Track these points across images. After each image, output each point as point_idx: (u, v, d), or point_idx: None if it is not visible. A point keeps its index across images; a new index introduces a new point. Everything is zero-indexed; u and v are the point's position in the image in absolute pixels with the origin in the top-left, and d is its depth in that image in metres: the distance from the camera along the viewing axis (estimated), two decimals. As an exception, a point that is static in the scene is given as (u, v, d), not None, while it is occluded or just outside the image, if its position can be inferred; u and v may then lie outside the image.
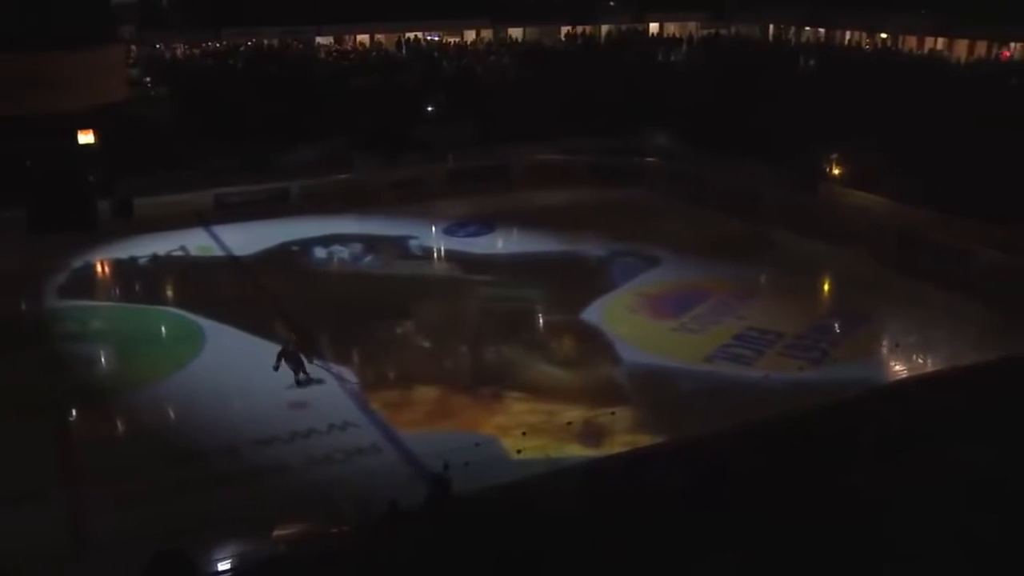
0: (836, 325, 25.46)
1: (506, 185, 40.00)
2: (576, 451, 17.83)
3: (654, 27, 59.38)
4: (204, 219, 34.74)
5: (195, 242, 32.62)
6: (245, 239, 32.70)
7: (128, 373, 22.66)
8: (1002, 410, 16.73)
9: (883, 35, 51.02)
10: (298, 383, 21.05)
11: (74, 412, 21.02)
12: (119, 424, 20.66)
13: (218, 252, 32.00)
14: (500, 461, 17.51)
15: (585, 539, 13.09)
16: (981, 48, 46.38)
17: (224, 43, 49.38)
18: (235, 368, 22.51)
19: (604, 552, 12.79)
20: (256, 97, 40.42)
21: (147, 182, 35.09)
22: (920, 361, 23.04)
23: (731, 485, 14.40)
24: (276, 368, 20.81)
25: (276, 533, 15.11)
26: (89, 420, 20.82)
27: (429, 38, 54.75)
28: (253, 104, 39.62)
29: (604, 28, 57.66)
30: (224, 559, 14.42)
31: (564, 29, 56.42)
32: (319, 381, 21.34)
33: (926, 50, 48.33)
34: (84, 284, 29.42)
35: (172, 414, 20.73)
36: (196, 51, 49.47)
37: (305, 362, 21.28)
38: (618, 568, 12.60)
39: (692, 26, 59.81)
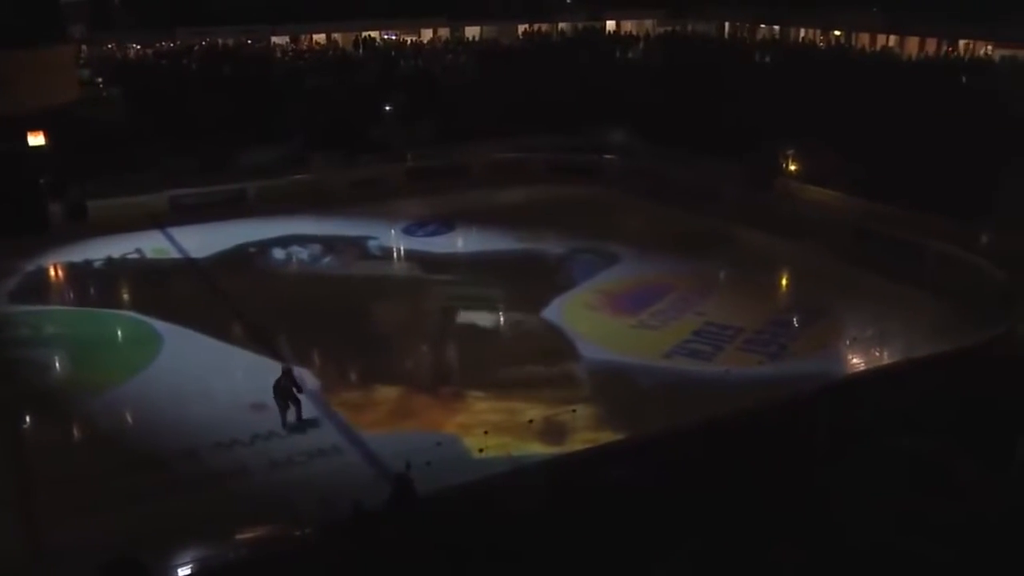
0: (794, 319, 25.75)
1: (465, 184, 39.95)
2: (538, 449, 17.87)
3: (611, 25, 59.68)
4: (160, 221, 34.30)
5: (151, 244, 32.21)
6: (202, 241, 32.35)
7: (83, 378, 22.30)
8: (954, 401, 17.08)
9: (837, 32, 51.75)
10: (283, 423, 19.38)
11: (28, 419, 20.67)
12: (75, 431, 20.33)
13: (174, 254, 31.62)
14: (462, 460, 17.51)
15: (548, 536, 13.15)
16: (932, 45, 47.24)
17: (178, 43, 48.85)
18: (193, 371, 22.28)
19: (567, 548, 12.86)
20: (211, 97, 40.01)
21: (101, 184, 34.59)
22: (876, 354, 23.37)
23: (691, 480, 14.55)
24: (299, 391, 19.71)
25: (239, 537, 15.00)
26: (44, 427, 20.47)
27: (386, 37, 54.60)
28: (208, 105, 39.20)
29: (561, 26, 57.83)
30: (185, 564, 14.26)
31: (521, 27, 56.52)
32: (311, 422, 19.78)
33: (879, 47, 49.10)
34: (37, 288, 28.91)
35: (129, 419, 20.45)
36: (149, 51, 48.90)
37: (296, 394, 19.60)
38: (581, 564, 12.67)
39: (649, 24, 60.23)
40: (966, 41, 45.99)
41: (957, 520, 12.85)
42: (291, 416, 19.45)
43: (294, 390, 19.48)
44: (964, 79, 39.92)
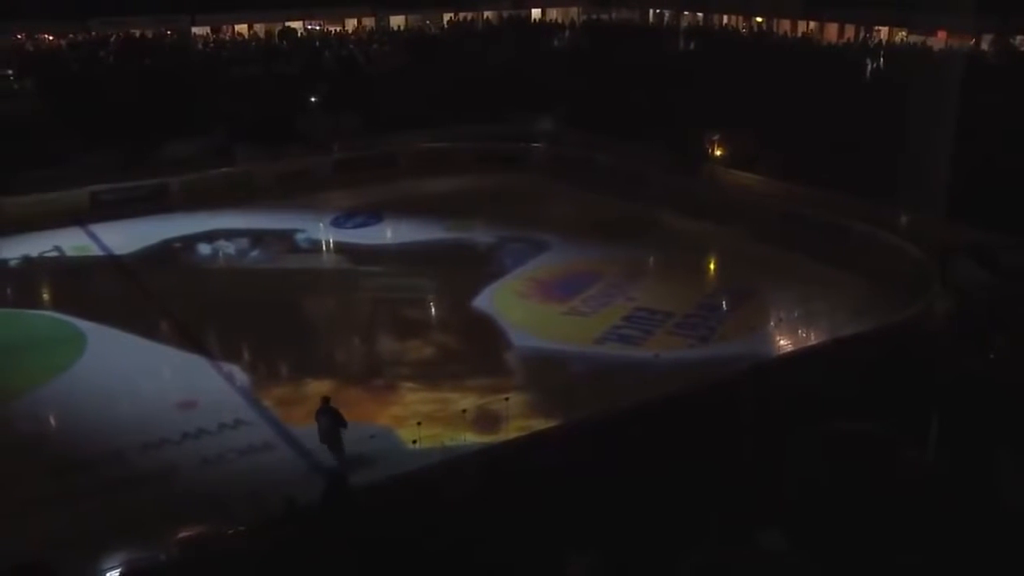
0: (722, 303, 26.15)
1: (392, 174, 39.66)
2: (471, 438, 17.88)
3: (536, 13, 59.78)
4: (80, 218, 33.36)
5: (71, 242, 31.32)
6: (125, 237, 31.57)
7: (4, 381, 21.58)
8: (879, 377, 17.53)
9: (758, 19, 52.60)
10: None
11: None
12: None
13: (96, 252, 30.80)
14: (396, 452, 17.46)
15: (482, 524, 13.19)
16: (851, 31, 48.34)
17: (93, 33, 47.52)
18: (119, 370, 21.81)
19: (501, 536, 12.90)
20: (131, 90, 39.04)
21: (14, 180, 33.48)
22: (803, 334, 23.87)
23: (623, 464, 14.70)
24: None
25: (170, 537, 14.75)
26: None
27: (310, 27, 53.91)
28: (127, 97, 38.24)
29: (486, 14, 57.75)
30: (114, 567, 13.97)
31: (447, 16, 56.29)
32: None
33: (799, 33, 50.04)
34: (-50, 289, 28.00)
35: (53, 422, 19.97)
36: (63, 42, 47.52)
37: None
38: (514, 551, 12.73)
39: (573, 12, 60.46)
40: (881, 28, 47.15)
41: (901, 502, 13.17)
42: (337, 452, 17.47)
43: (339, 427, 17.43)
44: (879, 64, 40.90)
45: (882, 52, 43.32)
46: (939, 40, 44.51)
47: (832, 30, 49.60)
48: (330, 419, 17.36)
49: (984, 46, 43.18)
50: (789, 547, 12.08)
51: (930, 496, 13.64)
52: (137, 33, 48.56)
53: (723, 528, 12.67)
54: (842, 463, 14.15)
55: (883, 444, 14.97)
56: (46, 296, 28.03)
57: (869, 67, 40.61)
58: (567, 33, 55.40)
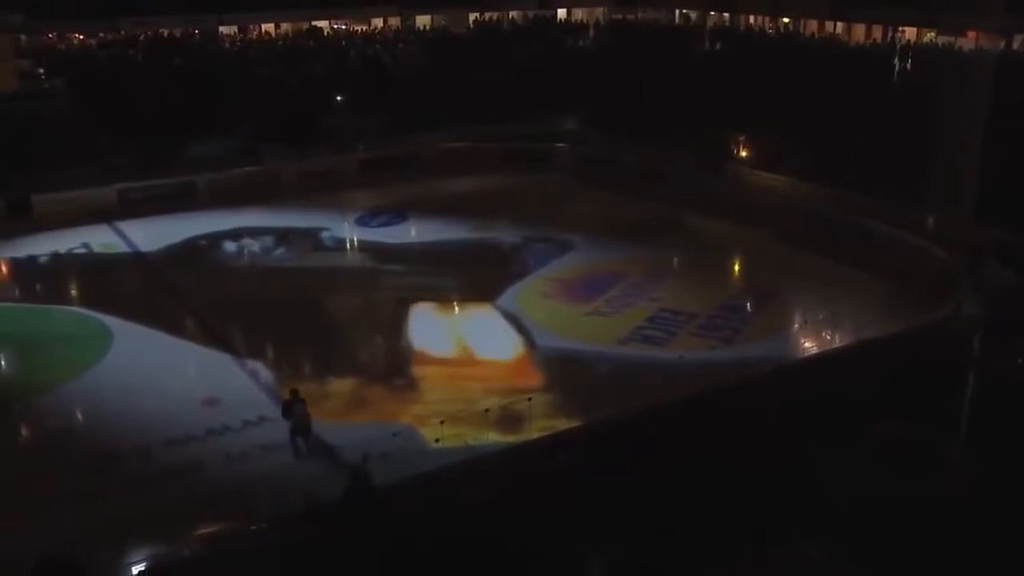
0: (746, 304, 26.03)
1: (417, 174, 39.73)
2: (494, 438, 17.88)
3: (561, 13, 59.68)
4: (107, 215, 33.67)
5: (98, 239, 31.63)
6: (151, 235, 31.83)
7: (32, 376, 21.88)
8: (905, 379, 17.39)
9: (785, 20, 52.26)
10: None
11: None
12: (23, 430, 20.01)
13: (123, 249, 31.09)
14: (418, 451, 17.49)
15: (504, 523, 13.20)
16: (878, 32, 47.93)
17: (122, 33, 47.92)
18: (145, 367, 21.99)
19: (523, 535, 12.91)
20: (159, 89, 39.35)
21: (45, 178, 33.86)
22: (826, 336, 23.71)
23: (647, 465, 14.66)
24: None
25: (193, 532, 14.87)
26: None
27: (336, 26, 54.10)
28: (156, 96, 38.55)
29: (512, 14, 57.72)
30: (139, 562, 14.09)
31: (472, 16, 56.31)
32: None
33: (826, 33, 49.68)
34: (-20, 285, 28.35)
35: (80, 417, 20.15)
36: (93, 41, 47.95)
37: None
38: (537, 550, 12.73)
39: (599, 12, 60.28)
40: (909, 28, 46.72)
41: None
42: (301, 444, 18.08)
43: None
44: (908, 65, 40.49)
45: (910, 52, 42.91)
46: (969, 40, 44.04)
47: (859, 30, 49.21)
48: (303, 409, 17.86)
49: (1016, 46, 42.68)
50: (827, 557, 11.87)
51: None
52: (165, 33, 48.92)
53: (753, 534, 12.58)
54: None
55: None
56: (74, 292, 28.32)
57: (896, 67, 40.23)
58: (592, 33, 55.26)
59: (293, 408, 17.89)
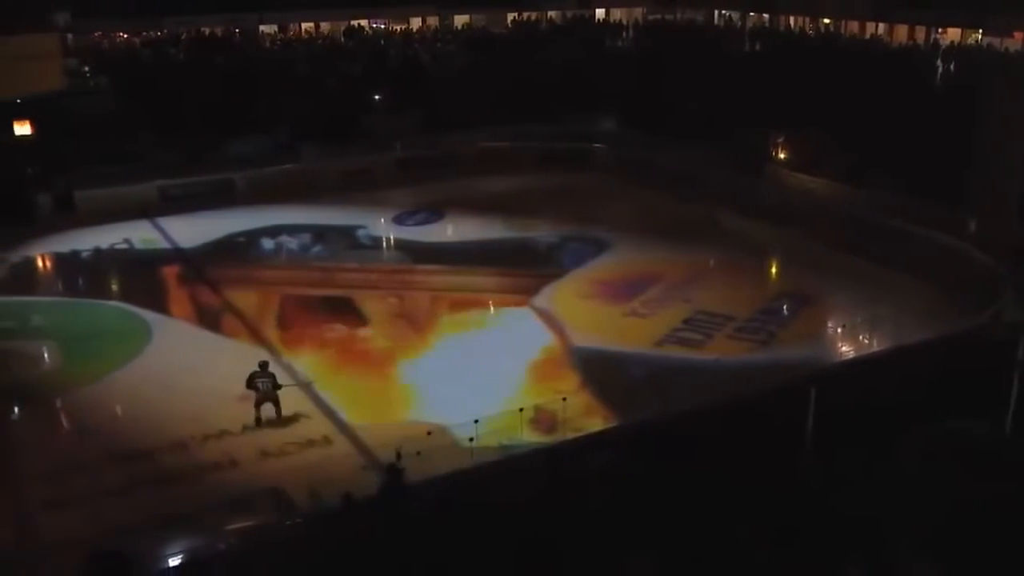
0: (783, 307, 25.78)
1: (454, 173, 39.83)
2: (528, 438, 17.86)
3: (600, 13, 59.53)
4: (148, 212, 34.12)
5: (139, 235, 32.06)
6: (191, 231, 32.21)
7: (71, 369, 22.22)
8: (946, 385, 17.10)
9: (825, 20, 51.76)
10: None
11: (15, 410, 20.56)
12: (62, 422, 20.28)
13: (163, 245, 31.49)
14: (452, 450, 17.49)
15: (539, 524, 13.15)
16: (921, 33, 47.29)
17: (165, 31, 48.53)
18: (183, 362, 22.22)
19: (558, 536, 12.85)
20: (199, 87, 39.78)
21: (88, 175, 34.37)
22: (865, 341, 23.43)
23: (682, 469, 14.54)
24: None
25: (228, 527, 14.98)
26: (30, 419, 20.37)
27: (374, 25, 54.36)
28: (196, 94, 38.98)
29: (550, 14, 57.68)
30: (175, 555, 14.23)
31: (510, 15, 56.34)
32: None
33: (867, 35, 49.12)
34: (23, 279, 28.78)
35: (118, 410, 20.39)
36: (136, 40, 48.58)
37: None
38: (571, 552, 12.67)
39: (638, 12, 60.08)
40: (953, 29, 46.06)
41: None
42: (266, 414, 19.21)
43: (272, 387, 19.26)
44: (951, 67, 39.93)
45: (954, 54, 42.30)
46: (1015, 41, 43.34)
47: (902, 32, 48.59)
48: (272, 381, 19.10)
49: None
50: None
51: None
52: (207, 32, 49.47)
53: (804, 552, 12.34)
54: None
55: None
56: (114, 287, 28.69)
57: (940, 69, 39.68)
58: (630, 33, 55.06)
59: (258, 381, 19.12)
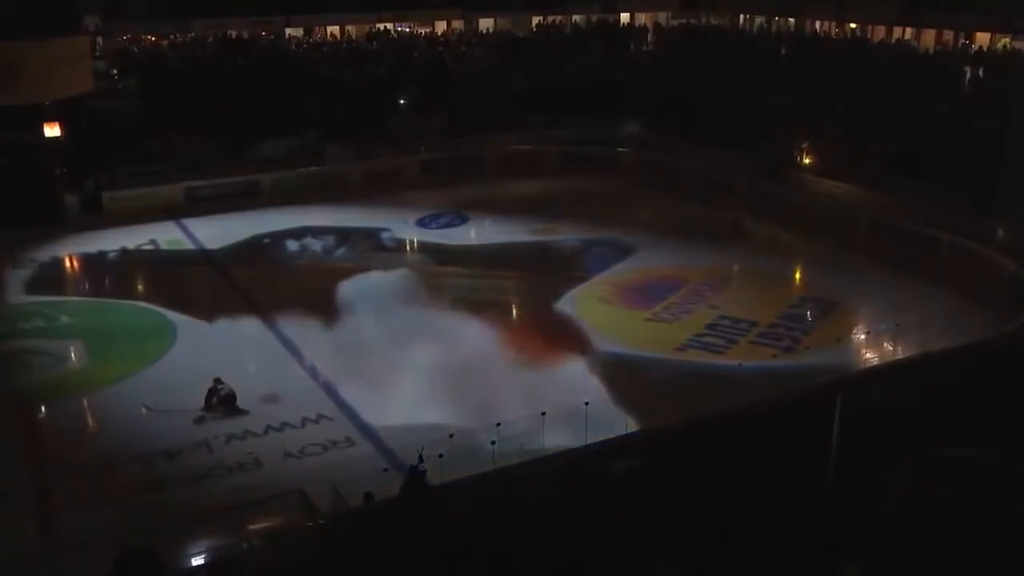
0: (807, 313, 25.64)
1: (479, 176, 39.91)
2: (550, 441, 17.84)
3: (625, 17, 59.43)
4: (174, 213, 34.38)
5: (165, 236, 32.31)
6: (216, 232, 32.41)
7: (97, 369, 22.45)
8: (974, 395, 16.94)
9: (852, 25, 51.39)
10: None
11: (42, 409, 20.78)
12: (88, 421, 20.49)
13: (189, 245, 31.73)
14: (474, 452, 17.50)
15: (560, 527, 13.14)
16: (948, 37, 46.84)
17: (193, 34, 48.90)
18: (207, 363, 22.28)
19: (579, 540, 12.84)
20: (226, 89, 40.07)
21: (116, 176, 34.70)
22: (890, 348, 23.25)
23: (705, 474, 14.49)
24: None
25: (251, 527, 15.07)
26: (57, 417, 20.58)
27: (400, 29, 54.53)
28: (223, 97, 39.27)
29: (575, 18, 57.64)
30: (198, 554, 14.33)
31: (535, 19, 56.35)
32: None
33: (894, 40, 48.73)
34: (52, 279, 29.07)
35: (143, 410, 20.54)
36: (164, 43, 48.99)
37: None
38: (592, 557, 12.65)
39: (663, 16, 59.94)
40: (982, 33, 45.64)
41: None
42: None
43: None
44: (980, 72, 39.57)
45: (983, 59, 41.93)
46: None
47: (929, 36, 48.19)
48: (229, 390, 19.88)
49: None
50: None
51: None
52: (233, 34, 49.79)
53: (805, 553, 12.32)
54: (943, 493, 13.55)
55: (991, 472, 14.37)
56: (140, 287, 28.94)
57: (968, 74, 39.33)
58: (655, 37, 54.93)
59: (218, 391, 19.87)
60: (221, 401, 19.89)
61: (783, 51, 48.42)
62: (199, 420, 19.53)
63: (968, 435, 15.04)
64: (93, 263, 30.44)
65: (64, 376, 22.34)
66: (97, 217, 33.71)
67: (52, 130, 32.64)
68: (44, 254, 30.58)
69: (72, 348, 23.91)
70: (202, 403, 19.86)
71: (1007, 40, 44.34)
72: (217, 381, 20.11)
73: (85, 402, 20.93)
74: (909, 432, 15.56)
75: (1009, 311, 23.18)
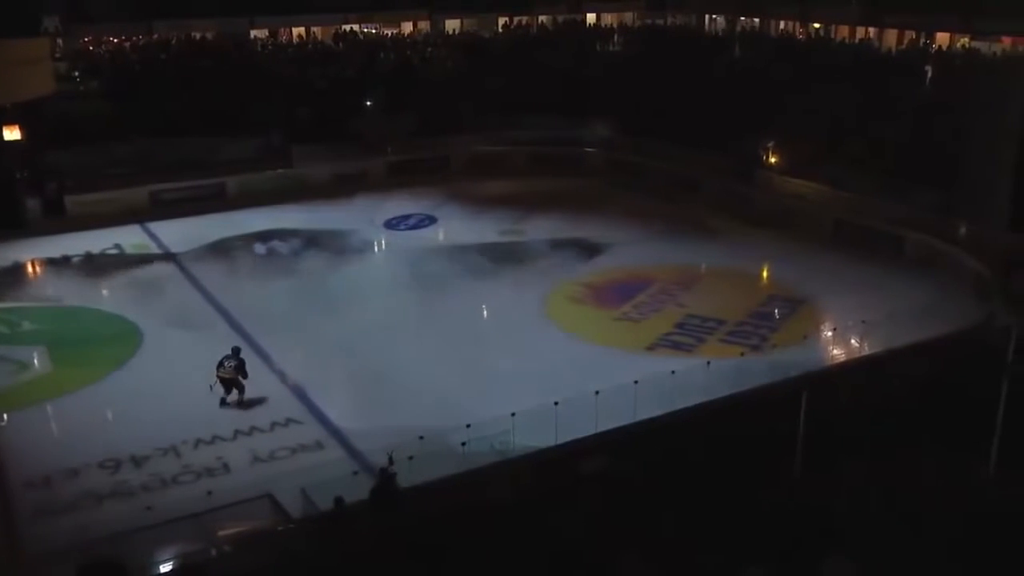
0: (775, 311, 25.84)
1: (447, 177, 39.85)
2: (520, 442, 17.81)
3: (591, 18, 59.64)
4: (139, 216, 34.02)
5: (130, 240, 31.97)
6: (182, 235, 32.09)
7: (62, 375, 22.14)
8: (939, 390, 17.20)
9: (816, 25, 51.94)
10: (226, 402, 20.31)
11: (3, 417, 20.44)
12: (52, 428, 20.18)
13: (154, 249, 31.41)
14: (445, 454, 17.45)
15: (530, 527, 13.17)
16: (911, 37, 47.49)
17: (156, 36, 48.42)
18: (174, 367, 22.12)
19: (549, 539, 12.87)
20: (190, 91, 39.71)
21: (79, 179, 34.26)
22: (856, 344, 23.47)
23: (673, 472, 14.59)
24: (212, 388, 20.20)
25: (220, 532, 14.93)
26: (21, 425, 20.22)
27: (366, 30, 54.36)
28: (187, 99, 38.91)
29: (541, 19, 57.75)
30: (166, 561, 14.18)
31: (502, 20, 56.40)
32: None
33: (857, 39, 49.30)
34: (13, 284, 28.60)
35: (109, 416, 20.31)
36: (127, 44, 48.48)
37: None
38: (563, 555, 12.69)
39: (629, 16, 60.23)
40: (942, 34, 46.25)
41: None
42: (232, 398, 20.16)
43: (240, 377, 20.17)
44: (939, 71, 40.06)
45: (942, 58, 42.49)
46: (1004, 46, 43.57)
47: (891, 36, 48.79)
48: (239, 365, 20.07)
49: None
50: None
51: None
52: (197, 36, 49.36)
53: (779, 549, 12.42)
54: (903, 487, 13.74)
55: (947, 465, 14.61)
56: (105, 292, 28.54)
57: (928, 74, 39.83)
58: (621, 38, 55.13)
59: (226, 366, 20.08)
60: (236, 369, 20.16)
61: (747, 51, 48.73)
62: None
63: (931, 430, 15.30)
64: (56, 268, 29.99)
65: (28, 383, 22.00)
66: (60, 221, 33.25)
67: (12, 133, 32.14)
68: (5, 259, 30.11)
69: (35, 354, 23.52)
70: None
71: (966, 40, 45.04)
72: (235, 352, 20.45)
73: (49, 409, 20.63)
74: (873, 427, 15.77)
75: (973, 307, 23.46)
